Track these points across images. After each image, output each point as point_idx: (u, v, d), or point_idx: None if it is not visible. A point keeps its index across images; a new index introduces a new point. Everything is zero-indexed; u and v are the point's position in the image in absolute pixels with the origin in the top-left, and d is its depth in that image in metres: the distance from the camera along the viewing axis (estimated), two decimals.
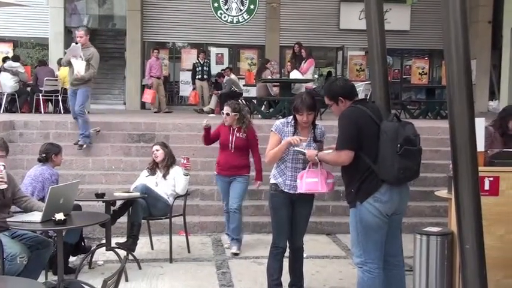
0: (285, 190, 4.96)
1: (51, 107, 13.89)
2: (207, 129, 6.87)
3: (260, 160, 6.83)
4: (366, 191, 4.22)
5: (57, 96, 13.37)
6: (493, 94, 17.87)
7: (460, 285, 4.42)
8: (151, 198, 6.40)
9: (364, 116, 4.24)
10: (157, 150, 6.76)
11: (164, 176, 6.66)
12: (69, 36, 18.88)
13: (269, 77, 13.84)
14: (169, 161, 6.75)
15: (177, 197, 6.62)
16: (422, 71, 19.52)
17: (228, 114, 6.70)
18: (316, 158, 4.54)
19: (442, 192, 5.72)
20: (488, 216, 4.49)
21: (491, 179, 4.95)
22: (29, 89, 13.96)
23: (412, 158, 4.19)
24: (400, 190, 4.29)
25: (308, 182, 4.73)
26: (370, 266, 4.28)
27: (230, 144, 6.72)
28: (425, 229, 5.12)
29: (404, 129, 4.19)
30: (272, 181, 5.08)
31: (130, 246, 6.22)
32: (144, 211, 6.34)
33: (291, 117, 5.04)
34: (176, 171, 6.69)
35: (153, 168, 6.78)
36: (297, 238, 5.20)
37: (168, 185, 6.61)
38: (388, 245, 4.39)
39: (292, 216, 5.07)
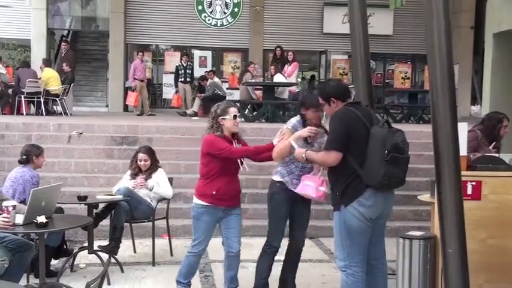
0: (291, 189, 4.97)
1: (33, 109, 13.77)
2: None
3: None
4: (350, 194, 4.22)
5: (39, 98, 13.25)
6: (475, 99, 18.04)
7: None
8: (134, 201, 6.36)
9: (355, 119, 4.24)
10: (145, 161, 6.58)
11: (146, 180, 6.55)
12: (51, 37, 18.77)
13: (251, 80, 13.84)
14: (154, 168, 6.63)
15: (160, 200, 6.59)
16: (405, 76, 19.67)
17: (235, 116, 4.97)
18: (303, 156, 4.52)
19: (425, 197, 5.75)
20: (470, 221, 4.52)
21: (474, 183, 4.99)
22: (10, 90, 13.82)
23: (399, 165, 4.17)
24: (385, 195, 4.30)
25: (304, 184, 4.80)
26: (354, 270, 4.28)
27: (238, 163, 5.06)
28: (408, 233, 5.14)
29: (394, 136, 4.18)
30: (277, 179, 5.10)
31: (112, 249, 6.17)
32: (127, 214, 6.30)
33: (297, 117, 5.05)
34: (159, 175, 6.63)
35: (136, 173, 6.66)
36: (299, 233, 5.22)
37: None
38: (372, 248, 4.41)
39: (293, 215, 5.12)
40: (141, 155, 6.62)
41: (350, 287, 4.31)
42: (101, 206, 6.42)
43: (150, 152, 6.68)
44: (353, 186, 4.21)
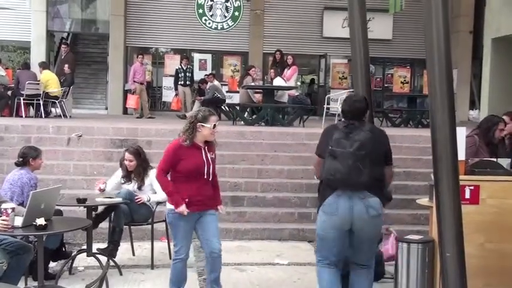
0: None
1: (32, 111, 13.77)
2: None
3: (217, 181, 5.26)
4: (320, 200, 4.59)
5: (39, 100, 13.25)
6: (474, 103, 18.07)
7: None
8: (134, 204, 6.35)
9: (336, 128, 4.59)
10: (130, 161, 6.52)
11: (139, 188, 6.51)
12: (51, 40, 18.79)
13: (251, 84, 13.87)
14: (143, 172, 6.54)
15: (159, 203, 6.59)
16: (404, 80, 19.70)
17: (215, 126, 4.94)
18: None
19: (423, 201, 5.76)
20: (468, 225, 4.54)
21: (472, 187, 5.00)
22: (9, 92, 13.82)
23: (341, 160, 4.36)
24: (351, 205, 4.41)
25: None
26: (320, 262, 4.68)
27: (206, 170, 4.93)
28: (407, 237, 5.15)
29: (340, 133, 4.47)
30: None
31: (111, 252, 6.17)
32: (126, 217, 6.29)
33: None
34: (151, 177, 6.50)
35: (128, 176, 6.60)
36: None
37: (147, 192, 6.54)
38: (352, 255, 4.67)
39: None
40: (126, 155, 6.58)
41: (318, 274, 4.75)
42: (101, 207, 6.42)
43: (136, 153, 6.57)
44: (322, 192, 4.58)
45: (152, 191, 6.53)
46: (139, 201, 6.37)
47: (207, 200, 4.98)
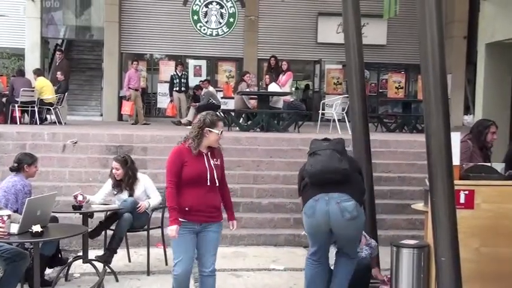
0: None
1: (27, 118, 13.75)
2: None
3: (229, 192, 5.00)
4: (302, 201, 5.06)
5: (34, 107, 13.23)
6: (468, 108, 18.11)
7: None
8: (136, 212, 6.35)
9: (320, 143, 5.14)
10: (116, 169, 6.51)
11: (131, 196, 6.48)
12: (45, 46, 18.77)
13: (246, 90, 13.88)
14: (131, 179, 6.51)
15: (155, 209, 6.60)
16: (399, 85, 19.74)
17: (221, 132, 4.73)
18: None
19: (419, 205, 5.78)
20: (463, 230, 4.57)
21: (467, 192, 5.03)
22: (4, 99, 13.80)
23: (321, 153, 4.93)
24: (327, 209, 4.79)
25: None
26: (309, 261, 5.14)
27: (208, 177, 4.65)
28: (402, 242, 5.18)
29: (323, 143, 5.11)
30: None
31: (107, 258, 6.17)
32: (129, 225, 6.31)
33: None
34: (144, 184, 6.55)
35: (118, 186, 6.55)
36: None
37: (142, 199, 6.55)
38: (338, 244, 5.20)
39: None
40: (114, 163, 6.58)
41: (305, 272, 5.23)
42: (103, 215, 6.47)
43: (123, 161, 6.54)
44: (303, 193, 5.08)
45: (147, 197, 6.55)
46: (140, 210, 6.38)
47: (210, 210, 4.67)
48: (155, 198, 6.57)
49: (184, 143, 4.68)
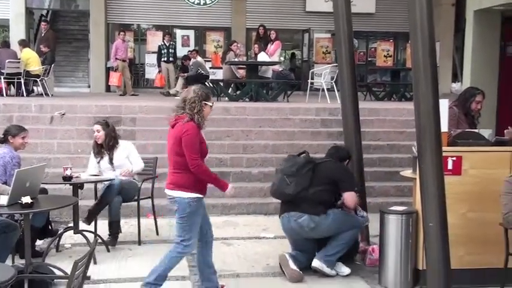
0: None
1: (13, 90, 13.62)
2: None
3: None
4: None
5: (20, 78, 13.10)
6: (456, 76, 18.15)
7: (425, 261, 4.54)
8: (124, 189, 6.35)
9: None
10: (97, 131, 6.43)
11: (111, 161, 6.44)
12: (30, 17, 18.50)
13: (234, 59, 13.80)
14: (111, 141, 6.44)
15: (145, 180, 6.61)
16: (387, 54, 19.72)
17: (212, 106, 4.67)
18: None
19: (407, 172, 5.83)
20: (451, 195, 4.61)
21: (454, 158, 5.07)
22: None
23: (276, 174, 5.64)
24: (290, 226, 5.45)
25: None
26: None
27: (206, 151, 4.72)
28: (391, 208, 5.23)
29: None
30: None
31: (111, 242, 6.29)
32: (120, 206, 6.35)
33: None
34: (125, 149, 6.52)
35: (99, 152, 6.49)
36: None
37: (125, 165, 6.52)
38: None
39: None
40: (95, 126, 6.54)
41: None
42: (93, 203, 6.48)
43: (104, 124, 6.49)
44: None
45: (130, 164, 6.55)
46: (123, 174, 6.37)
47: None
48: (138, 165, 6.57)
49: (191, 120, 4.46)
